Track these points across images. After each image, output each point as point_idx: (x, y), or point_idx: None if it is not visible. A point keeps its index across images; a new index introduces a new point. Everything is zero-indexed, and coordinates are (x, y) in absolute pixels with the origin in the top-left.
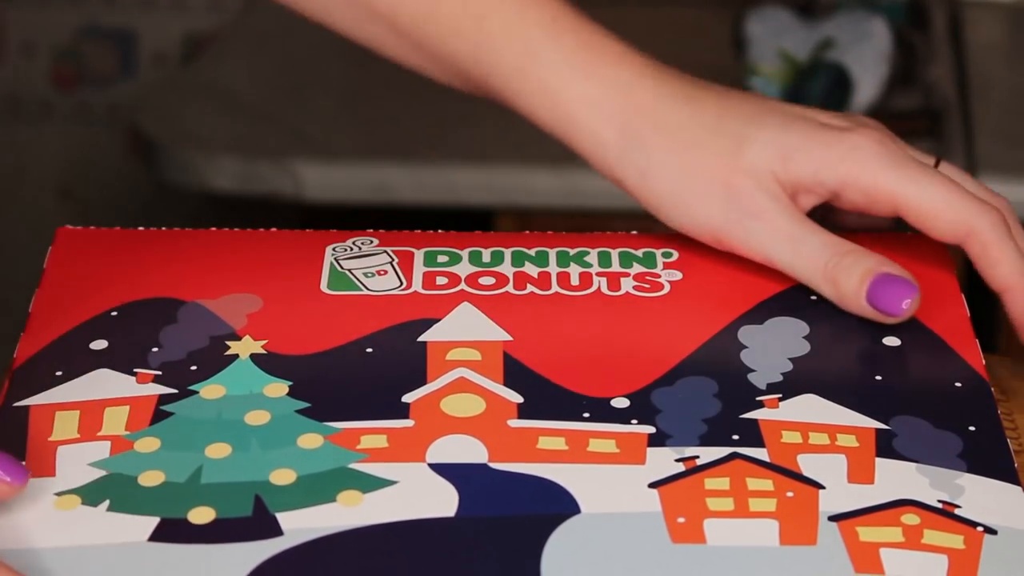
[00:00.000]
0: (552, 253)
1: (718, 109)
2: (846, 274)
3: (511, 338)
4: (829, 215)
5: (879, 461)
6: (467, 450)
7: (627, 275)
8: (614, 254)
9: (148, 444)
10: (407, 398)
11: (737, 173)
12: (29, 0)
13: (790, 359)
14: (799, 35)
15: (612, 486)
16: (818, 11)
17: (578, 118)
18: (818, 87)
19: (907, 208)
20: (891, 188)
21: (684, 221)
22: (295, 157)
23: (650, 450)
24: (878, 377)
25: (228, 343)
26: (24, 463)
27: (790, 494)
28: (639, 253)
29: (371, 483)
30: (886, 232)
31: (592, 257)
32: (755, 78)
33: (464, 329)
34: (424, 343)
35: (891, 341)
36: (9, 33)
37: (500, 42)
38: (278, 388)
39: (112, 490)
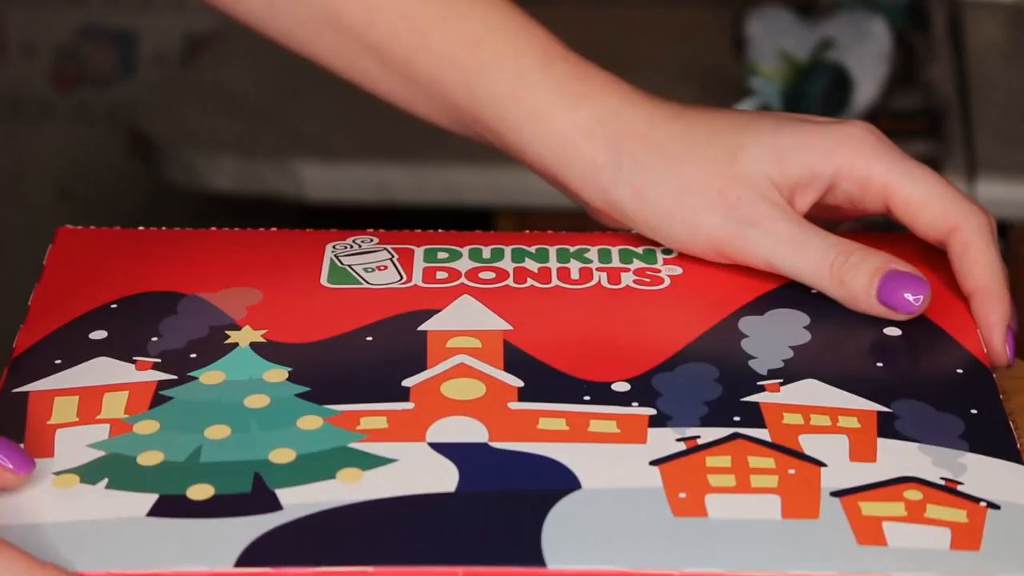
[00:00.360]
0: (552, 250)
1: (708, 124)
2: (854, 273)
3: (511, 327)
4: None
5: (881, 441)
6: (467, 430)
7: (627, 270)
8: (614, 251)
9: (147, 427)
10: (407, 382)
11: (734, 183)
12: (29, 0)
13: (791, 347)
14: (799, 35)
15: (613, 463)
16: (818, 11)
17: (569, 144)
18: (818, 87)
19: (897, 198)
20: (883, 178)
21: (683, 237)
22: (295, 157)
23: (651, 430)
24: (879, 364)
25: (228, 332)
26: (24, 448)
27: (792, 471)
28: (639, 250)
29: (371, 461)
30: (883, 232)
31: (592, 254)
32: (755, 78)
33: (464, 319)
34: (424, 332)
35: (892, 331)
36: (9, 33)
37: (493, 71)
38: (278, 374)
39: (111, 469)
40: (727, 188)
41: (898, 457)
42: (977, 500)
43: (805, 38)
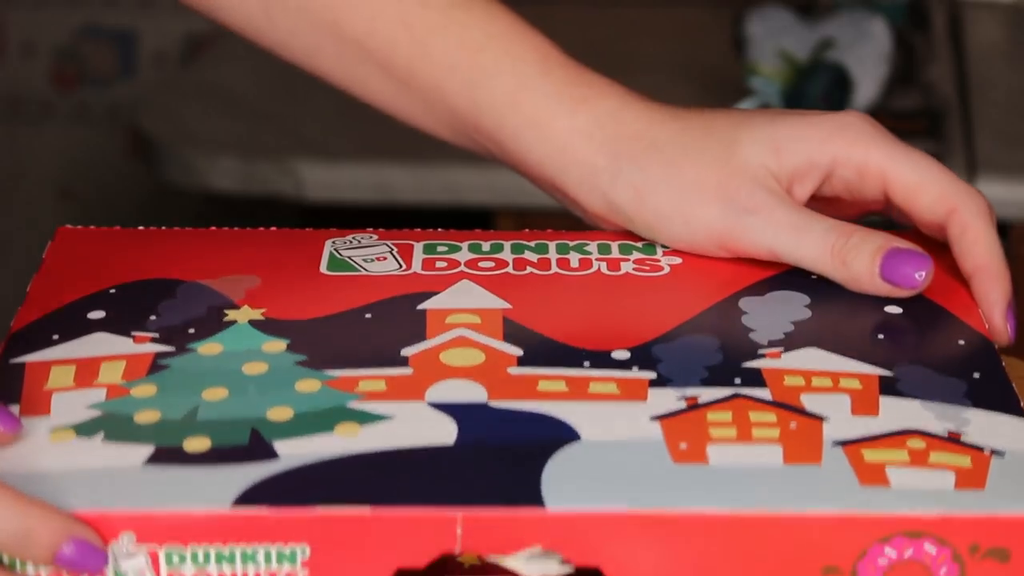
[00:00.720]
0: (552, 244)
1: (705, 123)
2: (856, 252)
3: (511, 306)
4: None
5: (883, 399)
6: (466, 391)
7: (627, 260)
8: (614, 245)
9: (145, 390)
10: (406, 352)
11: (732, 175)
12: (29, 0)
13: (792, 322)
14: (799, 35)
15: (613, 419)
16: (818, 11)
17: (568, 149)
18: (818, 87)
19: (895, 183)
20: (881, 164)
21: (684, 234)
22: (295, 157)
23: (651, 390)
24: (880, 336)
25: (226, 311)
26: (19, 410)
27: (793, 425)
28: (639, 244)
29: (369, 418)
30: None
31: (592, 247)
32: (755, 78)
33: (464, 299)
34: (424, 310)
35: (894, 309)
36: (9, 33)
37: (493, 78)
38: (277, 345)
39: (107, 425)
40: (726, 181)
41: (901, 412)
42: (981, 448)
43: (805, 38)
